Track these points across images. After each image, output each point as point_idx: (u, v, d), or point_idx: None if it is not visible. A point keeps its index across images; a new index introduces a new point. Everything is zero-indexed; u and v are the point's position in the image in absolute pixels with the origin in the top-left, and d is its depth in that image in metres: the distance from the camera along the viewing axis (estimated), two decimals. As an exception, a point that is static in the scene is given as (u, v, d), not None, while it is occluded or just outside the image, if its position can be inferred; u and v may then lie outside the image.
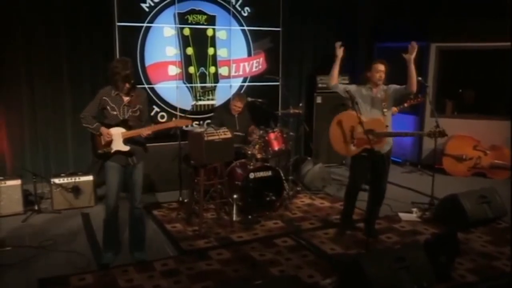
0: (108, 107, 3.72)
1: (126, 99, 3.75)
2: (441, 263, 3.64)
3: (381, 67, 4.24)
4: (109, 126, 3.74)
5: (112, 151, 3.74)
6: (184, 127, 5.77)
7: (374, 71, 4.26)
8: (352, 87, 4.31)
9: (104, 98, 3.72)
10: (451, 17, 7.20)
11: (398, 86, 4.29)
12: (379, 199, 4.52)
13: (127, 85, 3.65)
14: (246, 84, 6.54)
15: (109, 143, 3.72)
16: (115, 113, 3.73)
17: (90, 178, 5.32)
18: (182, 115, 6.04)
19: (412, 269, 3.37)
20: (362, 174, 4.46)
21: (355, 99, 4.01)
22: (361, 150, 4.24)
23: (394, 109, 5.69)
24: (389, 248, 4.28)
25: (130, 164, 3.81)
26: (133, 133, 3.73)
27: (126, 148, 3.75)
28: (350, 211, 4.60)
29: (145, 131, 3.72)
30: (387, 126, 4.21)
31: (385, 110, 4.22)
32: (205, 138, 4.47)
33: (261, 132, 5.30)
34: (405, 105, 5.72)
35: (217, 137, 4.56)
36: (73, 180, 5.24)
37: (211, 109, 6.30)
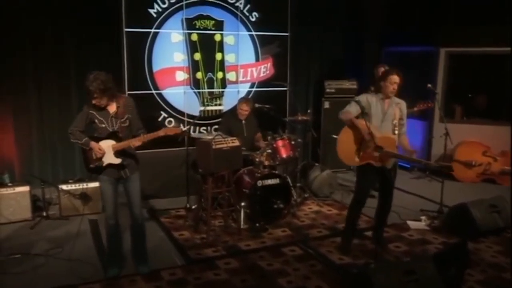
0: (96, 120, 3.66)
1: (112, 110, 3.68)
2: (451, 276, 3.60)
3: (397, 79, 4.08)
4: (99, 139, 3.67)
5: (104, 164, 3.69)
6: (192, 134, 5.83)
7: (388, 82, 4.09)
8: (363, 98, 4.15)
9: (91, 112, 3.65)
10: (461, 21, 7.14)
11: (405, 113, 4.26)
12: (386, 207, 4.44)
13: (92, 101, 3.56)
14: (253, 89, 6.53)
15: (101, 157, 3.68)
16: (103, 125, 3.67)
17: (97, 184, 5.29)
18: (190, 120, 6.04)
19: (421, 281, 3.34)
20: (368, 185, 4.39)
21: (365, 110, 3.94)
22: (365, 163, 4.19)
23: None
24: (398, 260, 4.24)
25: (123, 177, 3.76)
26: (123, 145, 3.66)
27: (117, 160, 3.69)
28: (355, 221, 4.49)
29: (135, 142, 3.65)
30: (397, 146, 4.11)
31: (396, 129, 4.10)
32: (213, 147, 4.45)
33: (268, 138, 5.28)
34: (415, 109, 5.68)
35: (225, 145, 4.54)
36: (80, 187, 5.25)
37: (219, 114, 6.29)
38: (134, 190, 3.82)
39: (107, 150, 3.66)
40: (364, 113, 3.86)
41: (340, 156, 4.31)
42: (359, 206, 4.41)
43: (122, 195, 3.89)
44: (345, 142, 4.24)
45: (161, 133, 3.69)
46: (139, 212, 3.89)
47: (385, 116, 4.15)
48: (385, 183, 4.31)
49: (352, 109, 4.14)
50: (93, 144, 3.64)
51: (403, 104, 4.26)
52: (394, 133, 4.12)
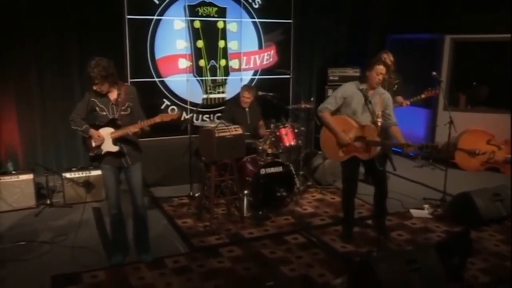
0: (97, 108, 3.64)
1: (113, 98, 3.65)
2: (454, 264, 3.61)
3: (383, 70, 4.05)
4: (100, 127, 3.66)
5: (103, 152, 3.68)
6: (195, 122, 5.81)
7: (374, 72, 4.05)
8: (347, 89, 4.13)
9: (92, 99, 3.63)
10: (466, 8, 7.04)
11: (391, 104, 4.20)
12: (382, 194, 4.44)
13: (93, 87, 3.54)
14: (257, 77, 6.49)
15: (100, 145, 3.66)
16: (104, 113, 3.65)
17: (100, 172, 5.31)
18: (193, 108, 6.03)
19: (423, 270, 3.35)
20: (353, 174, 4.35)
21: (369, 98, 3.88)
22: (349, 157, 4.17)
23: (406, 102, 5.62)
24: (400, 248, 4.25)
25: (124, 165, 3.74)
26: (120, 132, 3.63)
27: (115, 148, 3.66)
28: (350, 209, 4.47)
29: (132, 129, 3.61)
30: (378, 135, 4.06)
31: (379, 119, 4.02)
32: (216, 135, 4.45)
33: (272, 127, 5.26)
34: (422, 96, 5.64)
35: (228, 133, 4.53)
36: (84, 175, 5.26)
37: (222, 102, 6.26)
38: (135, 180, 3.80)
39: (106, 138, 3.65)
40: (369, 101, 3.80)
41: (325, 153, 4.37)
42: (351, 195, 4.42)
43: (124, 183, 3.90)
44: (327, 138, 4.26)
45: (157, 119, 3.65)
46: (141, 201, 3.89)
47: (366, 106, 4.08)
48: (375, 171, 4.29)
49: (331, 106, 4.17)
50: (92, 131, 3.63)
51: (387, 95, 4.23)
52: (377, 125, 4.04)
